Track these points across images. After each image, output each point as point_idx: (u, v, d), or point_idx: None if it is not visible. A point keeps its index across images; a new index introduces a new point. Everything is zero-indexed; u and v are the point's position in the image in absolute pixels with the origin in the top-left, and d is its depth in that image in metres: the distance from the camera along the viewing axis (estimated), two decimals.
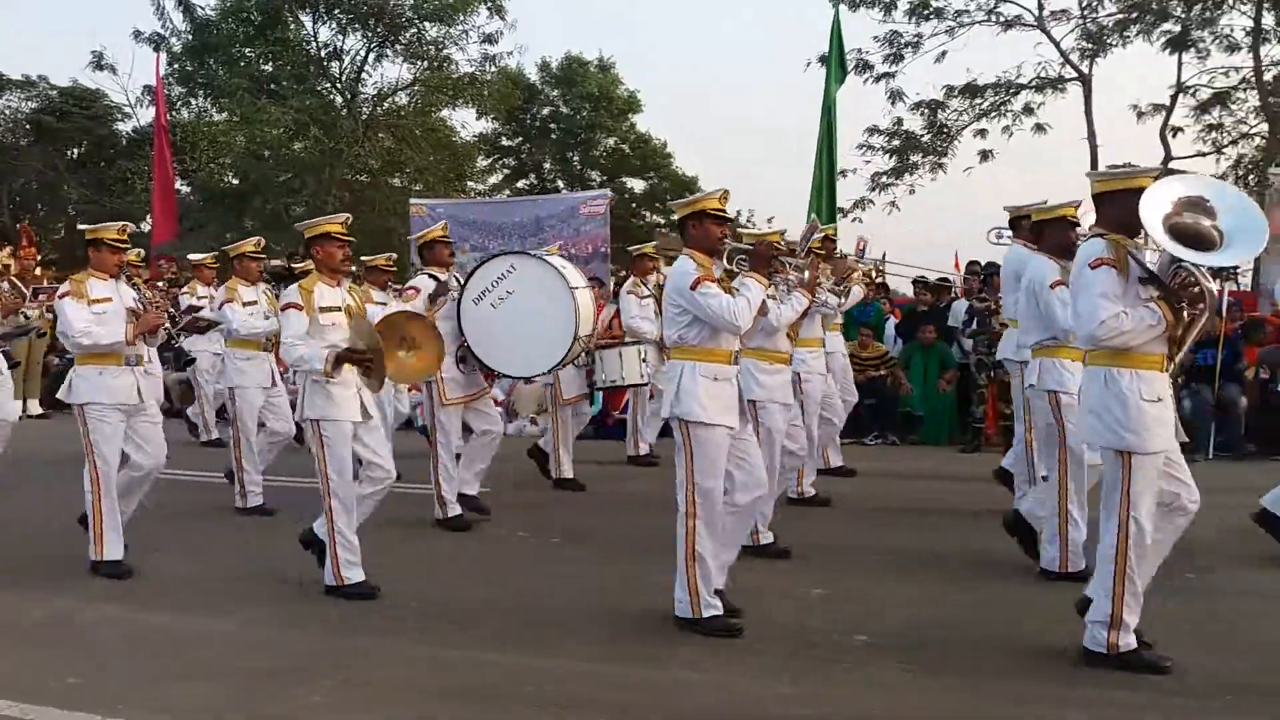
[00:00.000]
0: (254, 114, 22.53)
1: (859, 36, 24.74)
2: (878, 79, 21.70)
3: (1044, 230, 5.69)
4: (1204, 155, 21.58)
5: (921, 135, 22.44)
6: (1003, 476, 7.11)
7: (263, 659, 4.32)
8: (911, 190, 22.44)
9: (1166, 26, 20.20)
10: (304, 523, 5.47)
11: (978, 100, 21.97)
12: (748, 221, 34.07)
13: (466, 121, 36.54)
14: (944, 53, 21.33)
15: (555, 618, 4.86)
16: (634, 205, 30.74)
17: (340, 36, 24.43)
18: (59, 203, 27.75)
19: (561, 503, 7.15)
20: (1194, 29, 20.11)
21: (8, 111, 26.85)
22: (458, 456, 7.08)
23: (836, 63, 16.78)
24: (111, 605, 5.09)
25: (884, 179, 22.55)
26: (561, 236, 15.96)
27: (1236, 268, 11.38)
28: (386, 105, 24.94)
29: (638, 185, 31.12)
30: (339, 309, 5.34)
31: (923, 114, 22.24)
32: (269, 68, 24.37)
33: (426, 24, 23.92)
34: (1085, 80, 21.08)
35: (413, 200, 18.63)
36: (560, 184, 29.31)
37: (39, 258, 14.90)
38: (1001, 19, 21.23)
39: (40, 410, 13.01)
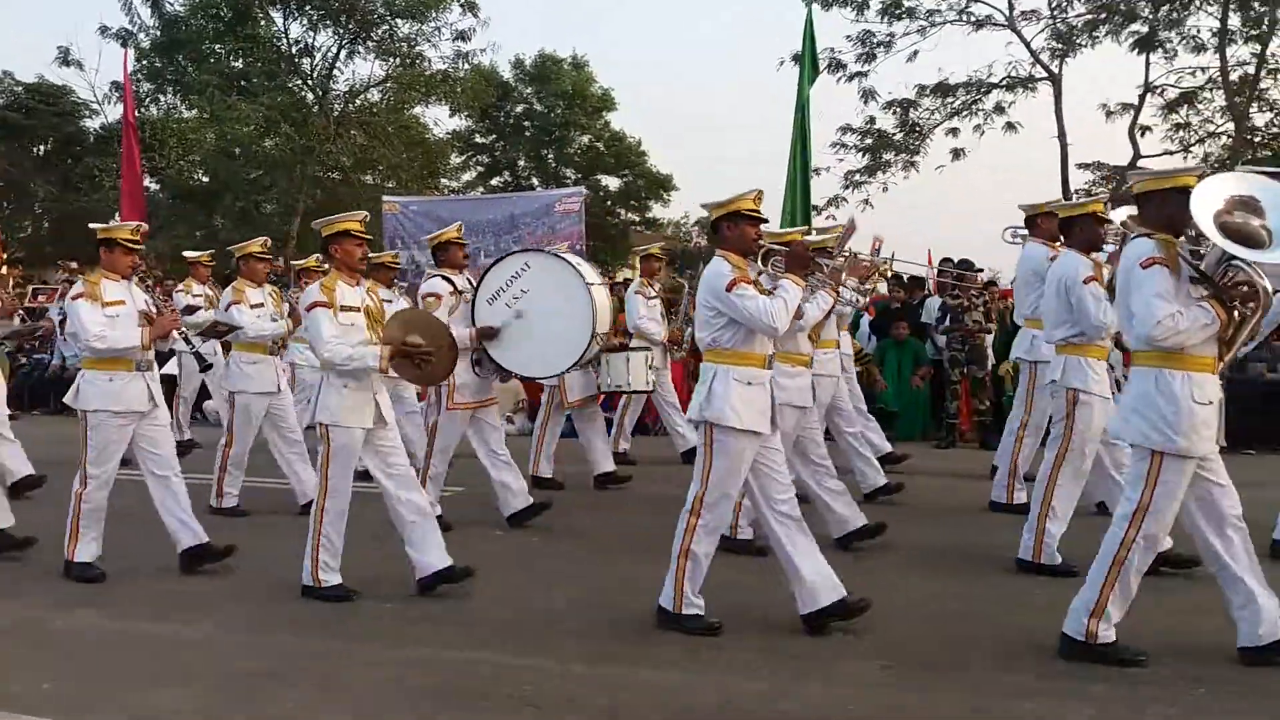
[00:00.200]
0: (224, 111, 22.34)
1: (832, 36, 24.91)
2: (850, 78, 21.81)
3: (1072, 226, 5.59)
4: (1171, 154, 21.87)
5: (894, 134, 22.57)
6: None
7: (238, 663, 4.27)
8: (884, 188, 22.56)
9: (1135, 27, 20.43)
10: (274, 524, 5.41)
11: (949, 99, 22.12)
12: None
13: (439, 119, 36.43)
14: (916, 52, 21.47)
15: (534, 617, 4.84)
16: (608, 203, 30.76)
17: (311, 33, 24.32)
18: (25, 201, 27.38)
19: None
20: (1161, 29, 20.35)
21: None
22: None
23: (809, 62, 16.84)
24: (84, 610, 5.01)
25: (857, 177, 22.66)
26: (536, 234, 15.96)
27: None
28: (358, 102, 24.81)
29: (613, 183, 31.14)
30: (358, 309, 5.17)
31: (895, 113, 22.37)
32: (239, 64, 24.19)
33: (398, 20, 23.84)
34: (1055, 80, 21.28)
35: (385, 198, 18.56)
36: (535, 182, 29.28)
37: (4, 256, 14.71)
38: (973, 19, 21.39)
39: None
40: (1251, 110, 20.81)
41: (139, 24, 23.69)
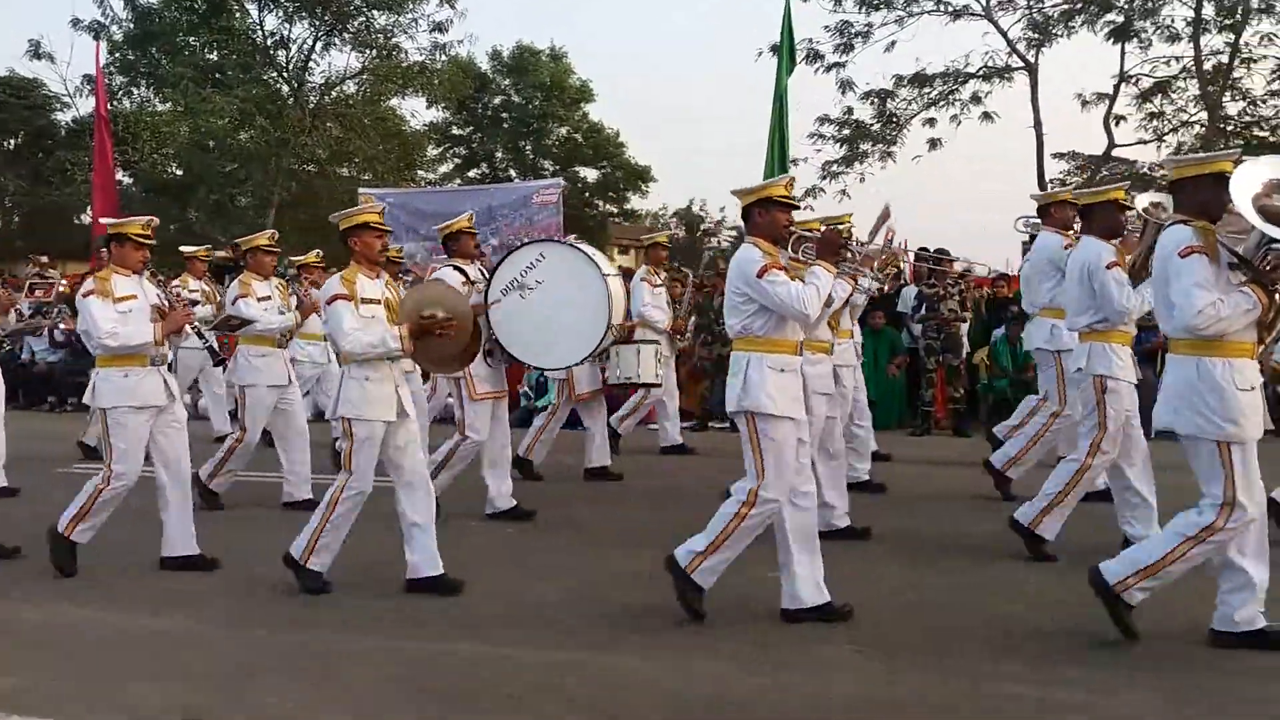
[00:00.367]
0: (198, 104, 22.14)
1: (810, 26, 24.92)
2: (828, 69, 21.85)
3: (1092, 213, 5.55)
4: (1145, 143, 22.03)
5: (871, 124, 22.63)
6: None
7: (217, 658, 4.23)
8: (862, 179, 22.63)
9: (1110, 17, 20.55)
10: (255, 517, 5.36)
11: (926, 90, 22.19)
12: (700, 210, 34.29)
13: (416, 110, 36.26)
14: (893, 42, 21.53)
15: (526, 611, 4.82)
16: (587, 194, 30.72)
17: (287, 25, 24.10)
18: None
19: (518, 494, 7.07)
20: (1136, 19, 20.48)
21: None
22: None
23: (787, 52, 16.86)
24: (56, 605, 4.96)
25: (835, 167, 22.71)
26: (514, 226, 15.88)
27: None
28: (334, 94, 24.63)
29: (591, 174, 31.09)
30: (379, 301, 5.09)
31: (872, 103, 22.43)
32: (214, 56, 23.96)
33: (375, 12, 23.66)
34: (1031, 69, 21.38)
35: (361, 190, 18.43)
36: (512, 173, 29.19)
37: None
38: (950, 9, 21.45)
39: None
40: (1225, 99, 20.99)
41: (111, 16, 23.48)
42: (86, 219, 22.75)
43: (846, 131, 22.58)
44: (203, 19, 23.12)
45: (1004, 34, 21.36)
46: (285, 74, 24.53)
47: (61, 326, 14.68)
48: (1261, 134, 20.99)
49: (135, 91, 24.66)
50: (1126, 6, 20.42)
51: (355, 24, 23.74)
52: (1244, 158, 4.09)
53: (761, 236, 4.54)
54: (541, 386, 11.23)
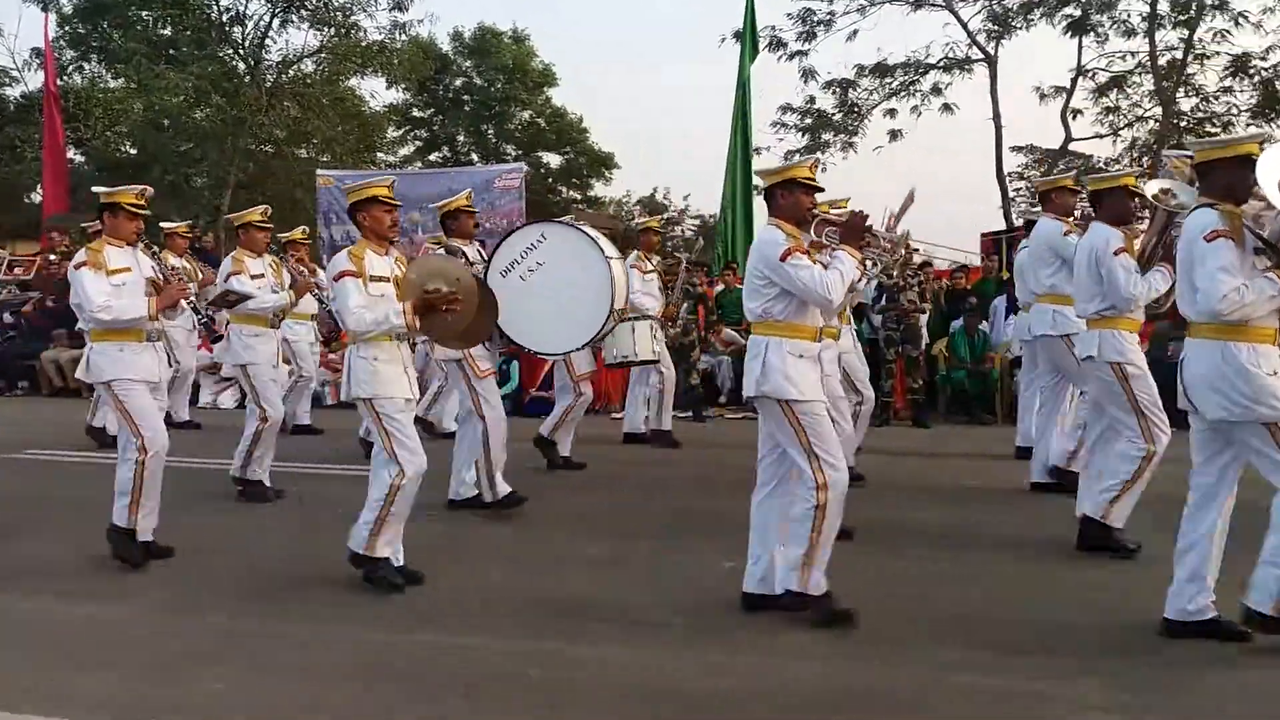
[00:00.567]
0: (151, 80, 21.64)
1: (774, 13, 24.92)
2: (791, 57, 21.91)
3: (1102, 198, 5.50)
4: (1102, 137, 22.37)
5: (833, 114, 22.74)
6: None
7: (160, 646, 4.17)
8: (823, 169, 22.72)
9: (1068, 10, 20.80)
10: (193, 507, 5.25)
11: (887, 80, 22.33)
12: (664, 199, 34.23)
13: (376, 91, 35.75)
14: (855, 31, 21.62)
15: (471, 597, 4.80)
16: (550, 180, 30.54)
17: (242, 1, 23.61)
18: None
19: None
20: (1093, 13, 20.74)
21: None
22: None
23: (750, 40, 16.87)
24: (1, 596, 4.85)
25: (796, 157, 22.76)
26: (476, 210, 15.77)
27: None
28: (292, 73, 24.20)
29: (554, 160, 30.90)
30: (388, 279, 4.91)
31: (834, 93, 22.53)
32: (167, 31, 23.41)
33: None
34: (991, 61, 21.58)
35: (319, 171, 18.21)
36: (474, 157, 28.96)
37: None
38: None
39: None
40: (1179, 95, 21.33)
41: None
42: (37, 198, 22.16)
43: (809, 121, 22.68)
44: None
45: (964, 25, 21.55)
46: (241, 51, 24.06)
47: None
48: (1214, 130, 21.36)
49: (86, 67, 24.06)
50: (1084, 1, 20.67)
51: (313, 1, 23.33)
52: (1270, 140, 4.10)
53: (784, 218, 4.44)
54: (504, 374, 11.18)
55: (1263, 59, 20.43)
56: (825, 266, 4.31)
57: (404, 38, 23.95)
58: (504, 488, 6.49)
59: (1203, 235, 3.95)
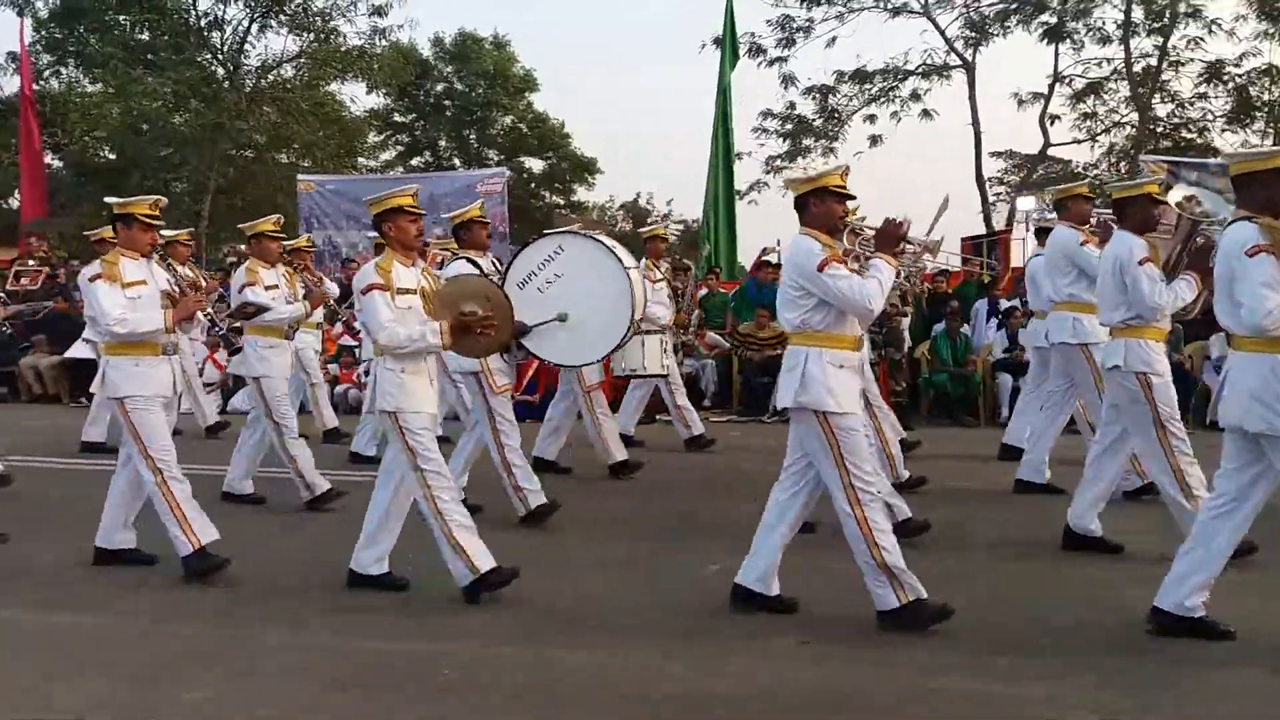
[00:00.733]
0: (129, 85, 21.51)
1: (754, 20, 25.04)
2: (771, 63, 22.04)
3: (1126, 207, 5.39)
4: (1079, 142, 22.62)
5: (813, 120, 22.88)
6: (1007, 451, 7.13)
7: (141, 654, 4.14)
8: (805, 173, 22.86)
9: (1044, 18, 21.02)
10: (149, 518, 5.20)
11: (867, 86, 22.49)
12: (648, 203, 34.29)
13: (356, 96, 35.62)
14: (834, 38, 21.77)
15: (456, 602, 4.75)
16: (532, 185, 30.54)
17: (221, 5, 23.50)
18: None
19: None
20: (1069, 20, 20.97)
21: None
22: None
23: (730, 46, 16.95)
24: None
25: (778, 162, 22.93)
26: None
27: None
28: (271, 78, 24.10)
29: (536, 165, 30.91)
30: (415, 290, 4.81)
31: (814, 99, 22.68)
32: (144, 36, 23.27)
33: None
34: (969, 68, 21.78)
35: (300, 176, 18.13)
36: (456, 162, 28.92)
37: None
38: (889, 5, 21.75)
39: None
40: (1154, 101, 21.60)
41: None
42: (15, 203, 21.96)
43: (789, 126, 22.81)
44: None
45: (942, 32, 21.75)
46: (220, 56, 23.95)
47: None
48: (1189, 135, 21.65)
49: (63, 71, 23.90)
50: (1060, 8, 20.89)
51: (292, 6, 23.21)
52: None
53: (817, 227, 4.37)
54: None
55: (1236, 65, 20.75)
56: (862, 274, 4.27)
57: (384, 43, 23.93)
58: (538, 497, 6.35)
59: (1244, 250, 3.90)
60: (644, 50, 51.72)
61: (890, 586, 4.24)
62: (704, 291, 13.72)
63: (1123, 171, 20.87)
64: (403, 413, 4.69)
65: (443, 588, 4.85)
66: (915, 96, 22.27)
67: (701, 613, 4.59)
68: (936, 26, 21.70)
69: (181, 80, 21.91)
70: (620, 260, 6.28)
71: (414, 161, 29.69)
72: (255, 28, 23.56)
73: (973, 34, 21.55)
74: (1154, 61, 21.32)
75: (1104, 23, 21.10)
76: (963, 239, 17.45)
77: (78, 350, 12.45)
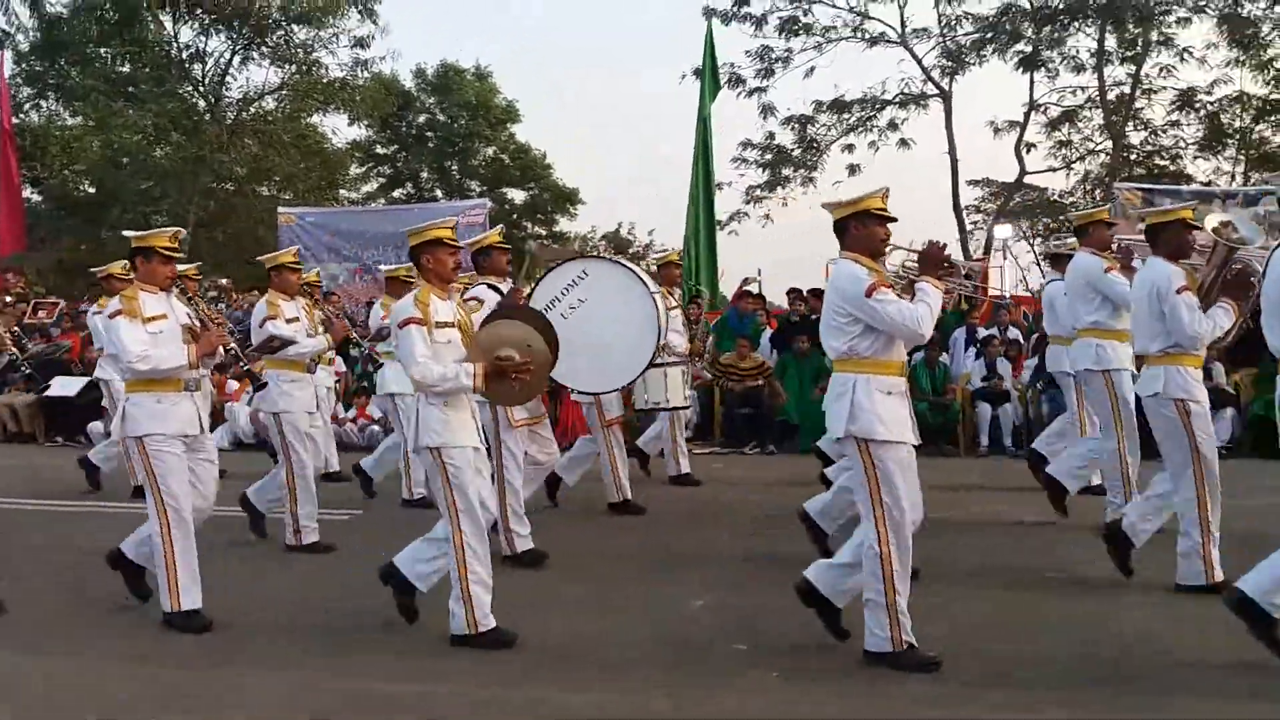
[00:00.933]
0: (110, 117, 21.49)
1: (732, 51, 25.30)
2: (750, 93, 22.25)
3: (1159, 234, 5.33)
4: (1055, 170, 22.90)
5: (792, 149, 23.08)
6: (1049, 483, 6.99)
7: (117, 697, 4.10)
8: (784, 203, 23.06)
9: (1019, 47, 21.33)
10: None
11: (845, 115, 22.73)
12: (629, 234, 34.40)
13: (338, 128, 35.64)
14: (813, 68, 22.03)
15: (435, 642, 4.70)
16: (514, 215, 30.58)
17: (203, 38, 23.58)
18: None
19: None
20: (1044, 49, 21.29)
21: None
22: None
23: (710, 77, 17.09)
24: None
25: (758, 192, 23.10)
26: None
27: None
28: (253, 110, 24.15)
29: (518, 196, 30.97)
30: (453, 324, 4.73)
31: (793, 128, 22.89)
32: (126, 69, 23.32)
33: (295, 26, 23.29)
34: (946, 96, 22.05)
35: (281, 209, 18.13)
36: (439, 193, 28.95)
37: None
38: (867, 36, 22.04)
39: None
40: (1127, 129, 21.90)
41: (16, 24, 22.74)
42: None
43: (768, 156, 23.00)
44: (114, 29, 22.51)
45: (919, 61, 22.04)
46: (201, 88, 24.01)
47: None
48: (1162, 162, 21.96)
49: (43, 104, 23.92)
50: (1034, 37, 21.21)
51: (274, 38, 23.34)
52: None
53: (859, 251, 4.30)
54: None
55: (1208, 93, 21.10)
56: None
57: (366, 74, 24.03)
58: (526, 543, 6.23)
59: None
60: (627, 81, 52.08)
61: (889, 629, 4.19)
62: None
63: (1097, 199, 21.13)
64: (446, 449, 4.60)
65: (431, 627, 4.78)
66: (893, 126, 22.55)
67: (690, 647, 4.57)
68: (914, 56, 22.01)
69: (162, 112, 21.94)
70: (646, 284, 6.21)
71: (396, 193, 29.71)
72: (237, 60, 23.68)
73: (949, 63, 21.86)
74: (1127, 90, 21.67)
75: (1078, 51, 21.47)
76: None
77: (58, 388, 12.34)
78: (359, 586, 5.12)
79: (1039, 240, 23.13)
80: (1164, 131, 21.91)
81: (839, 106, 22.55)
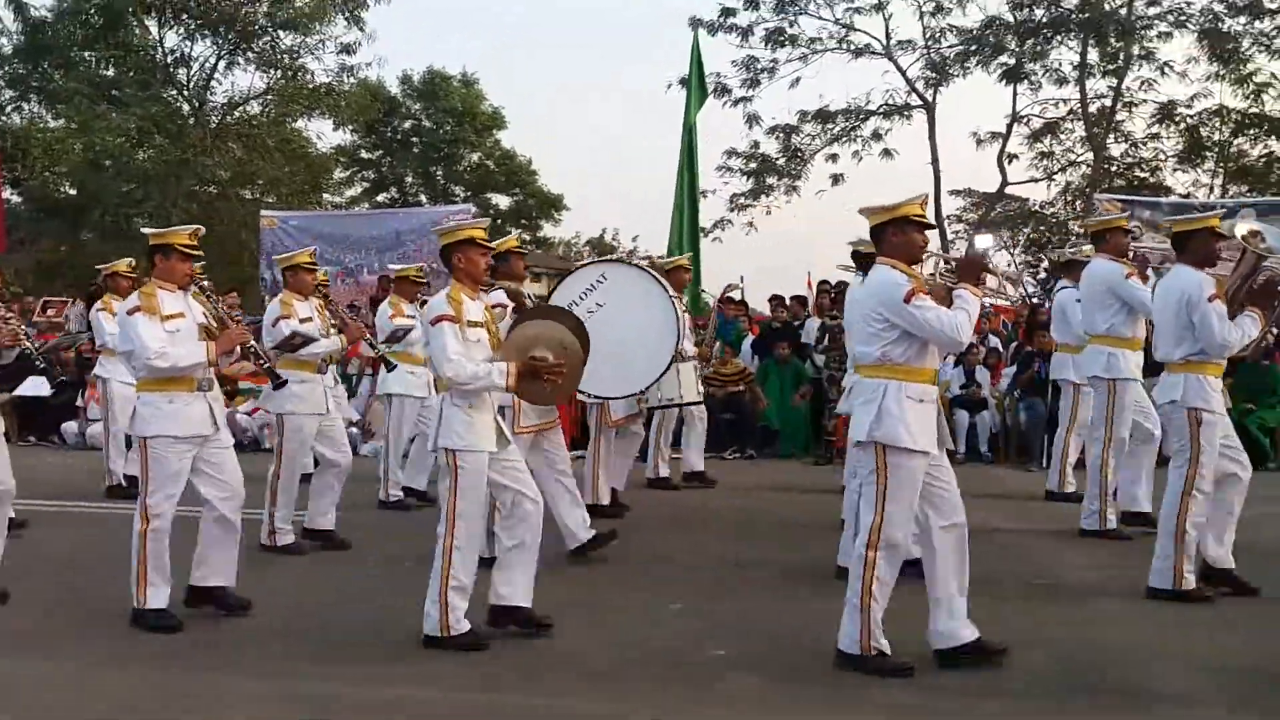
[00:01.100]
0: (93, 120, 21.38)
1: (718, 60, 25.40)
2: (735, 103, 22.34)
3: (1187, 242, 5.33)
4: (1037, 181, 23.06)
5: (777, 158, 23.17)
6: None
7: (98, 702, 4.07)
8: (768, 211, 23.15)
9: (1002, 59, 21.50)
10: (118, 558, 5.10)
11: (829, 125, 22.84)
12: (613, 239, 34.44)
13: (323, 133, 35.54)
14: (798, 79, 22.14)
15: (411, 647, 4.68)
16: (499, 222, 30.56)
17: (188, 42, 23.50)
18: None
19: (417, 527, 6.87)
20: (1027, 61, 21.46)
21: None
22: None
23: (696, 85, 17.13)
24: None
25: (742, 200, 23.17)
26: (423, 251, 15.75)
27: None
28: (237, 114, 24.06)
29: (503, 202, 30.98)
30: (482, 324, 4.73)
31: (778, 138, 22.99)
32: (110, 73, 23.21)
33: (281, 32, 23.23)
34: (929, 108, 22.19)
35: (263, 212, 18.05)
36: (423, 198, 28.91)
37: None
38: (852, 47, 22.18)
39: None
40: (1109, 141, 22.10)
41: (0, 28, 22.61)
42: None
43: (753, 165, 23.08)
44: (99, 33, 22.39)
45: (903, 73, 22.18)
46: (186, 92, 23.91)
47: None
48: (1142, 175, 22.16)
49: (25, 107, 23.78)
50: (1018, 49, 21.39)
51: (260, 43, 23.27)
52: None
53: (897, 257, 4.28)
54: None
55: (1188, 107, 21.30)
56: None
57: (352, 80, 23.99)
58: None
59: None
60: (612, 89, 52.19)
61: (859, 634, 4.18)
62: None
63: (1078, 209, 21.31)
64: (463, 452, 4.59)
65: (407, 632, 4.75)
66: (876, 136, 22.66)
67: (665, 654, 4.55)
68: (898, 67, 22.15)
69: (146, 116, 21.82)
70: (665, 287, 6.22)
71: (380, 198, 29.66)
72: (222, 65, 23.59)
73: (933, 75, 22.00)
74: (1109, 102, 21.86)
75: (1060, 64, 21.65)
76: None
77: (28, 388, 12.25)
78: (353, 591, 5.08)
79: (1019, 250, 23.33)
80: (1144, 144, 22.13)
81: (823, 116, 22.66)
